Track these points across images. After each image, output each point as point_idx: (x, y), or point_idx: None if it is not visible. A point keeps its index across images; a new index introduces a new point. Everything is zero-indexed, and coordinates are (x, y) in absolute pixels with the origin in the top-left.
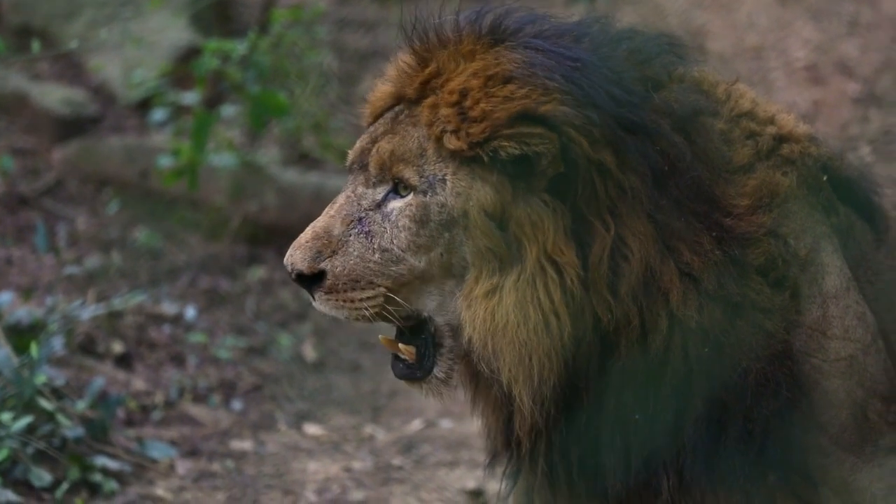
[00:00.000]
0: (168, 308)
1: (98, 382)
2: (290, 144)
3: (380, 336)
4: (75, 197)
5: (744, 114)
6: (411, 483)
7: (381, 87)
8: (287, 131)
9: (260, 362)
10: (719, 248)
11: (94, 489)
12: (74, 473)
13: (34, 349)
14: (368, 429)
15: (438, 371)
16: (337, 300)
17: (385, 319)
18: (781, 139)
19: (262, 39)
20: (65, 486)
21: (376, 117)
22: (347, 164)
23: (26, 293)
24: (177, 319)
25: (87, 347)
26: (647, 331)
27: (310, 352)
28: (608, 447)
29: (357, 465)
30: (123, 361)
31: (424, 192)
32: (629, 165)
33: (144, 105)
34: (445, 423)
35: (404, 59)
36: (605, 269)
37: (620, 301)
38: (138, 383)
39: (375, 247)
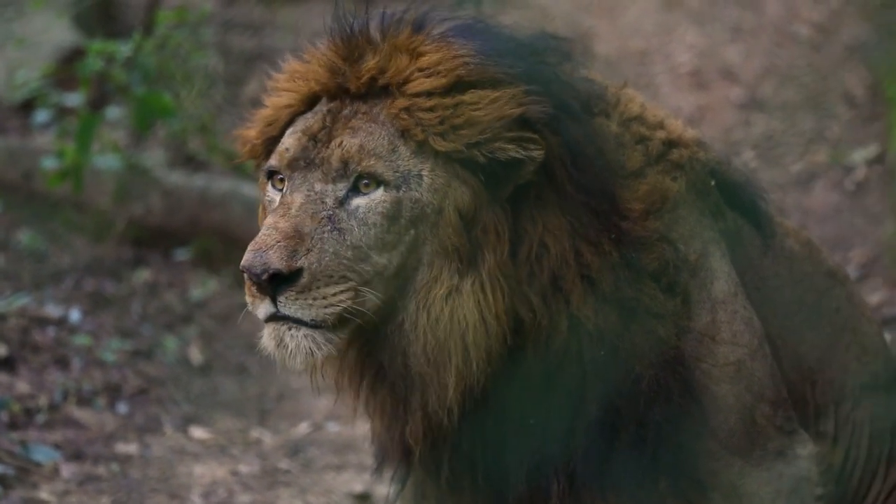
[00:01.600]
0: (52, 311)
1: None
2: (176, 146)
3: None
4: None
5: (633, 118)
6: (298, 486)
7: (291, 84)
8: (173, 133)
9: (145, 365)
10: (616, 250)
11: None
12: None
13: None
14: (255, 432)
15: (334, 335)
16: (307, 298)
17: (341, 321)
18: (671, 144)
19: (147, 41)
20: None
21: (294, 114)
22: (286, 158)
23: None
24: (61, 322)
25: None
26: (549, 332)
27: (196, 355)
28: (511, 451)
29: (244, 468)
30: (7, 364)
31: (398, 188)
32: (564, 163)
33: (28, 106)
34: (332, 427)
35: (328, 55)
36: (529, 269)
37: (537, 301)
38: (22, 386)
39: (348, 244)
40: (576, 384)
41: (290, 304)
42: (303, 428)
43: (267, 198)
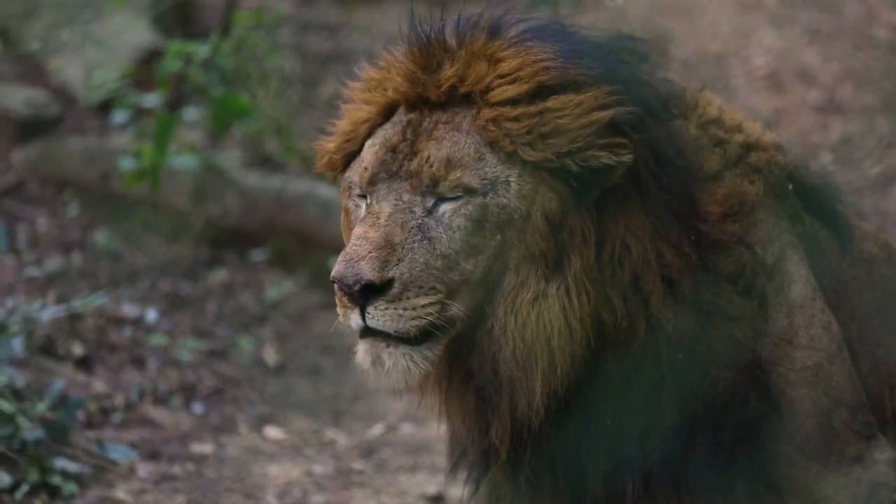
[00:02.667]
0: (129, 310)
1: (58, 384)
2: (252, 147)
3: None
4: (36, 198)
5: (712, 121)
6: (372, 487)
7: (368, 94)
8: (249, 134)
9: (221, 365)
10: (695, 252)
11: (54, 491)
12: (34, 475)
13: None
14: (329, 432)
15: (429, 350)
16: (397, 308)
17: (425, 334)
18: (749, 147)
19: (225, 42)
20: (24, 488)
21: (372, 127)
22: (366, 178)
23: None
24: (138, 322)
25: (47, 349)
26: (629, 334)
27: (271, 355)
28: (589, 452)
29: (318, 468)
30: (84, 363)
31: (484, 194)
32: (648, 164)
33: (105, 107)
34: (406, 428)
35: (405, 63)
36: (611, 269)
37: (618, 302)
38: (98, 385)
39: (438, 253)
40: (653, 386)
41: (378, 315)
42: (377, 429)
43: (351, 204)
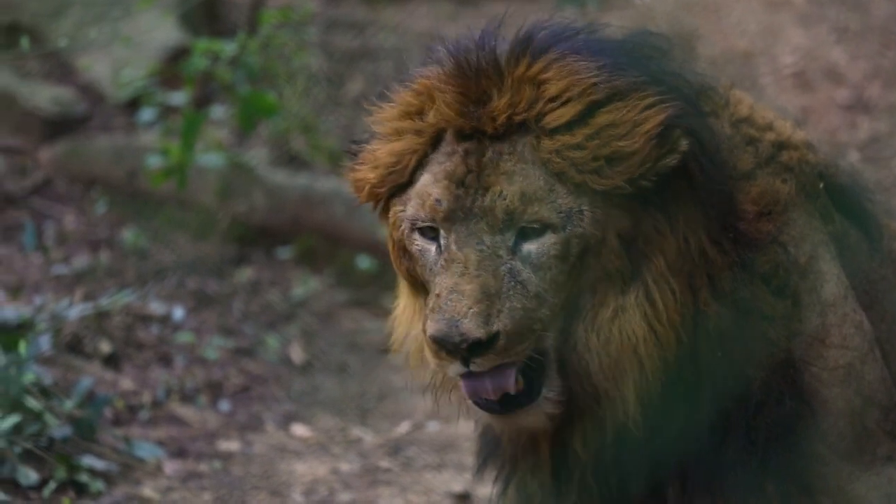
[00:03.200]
0: (156, 308)
1: (86, 382)
2: (279, 145)
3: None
4: (63, 196)
5: (743, 119)
6: (399, 485)
7: (409, 123)
8: (276, 132)
9: (247, 363)
10: (734, 250)
11: (81, 489)
12: (61, 473)
13: (22, 348)
14: (356, 430)
15: (548, 392)
16: (499, 355)
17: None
18: (780, 146)
19: (252, 40)
20: (52, 485)
21: (421, 158)
22: (441, 213)
23: (14, 292)
24: (164, 320)
25: (74, 347)
26: (677, 332)
27: (297, 353)
28: (629, 453)
29: (344, 466)
30: (111, 361)
31: (563, 228)
32: (696, 155)
33: (133, 105)
34: (433, 426)
35: (449, 93)
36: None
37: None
38: (126, 383)
39: (531, 294)
40: (691, 386)
41: (484, 364)
42: (403, 427)
43: (416, 247)
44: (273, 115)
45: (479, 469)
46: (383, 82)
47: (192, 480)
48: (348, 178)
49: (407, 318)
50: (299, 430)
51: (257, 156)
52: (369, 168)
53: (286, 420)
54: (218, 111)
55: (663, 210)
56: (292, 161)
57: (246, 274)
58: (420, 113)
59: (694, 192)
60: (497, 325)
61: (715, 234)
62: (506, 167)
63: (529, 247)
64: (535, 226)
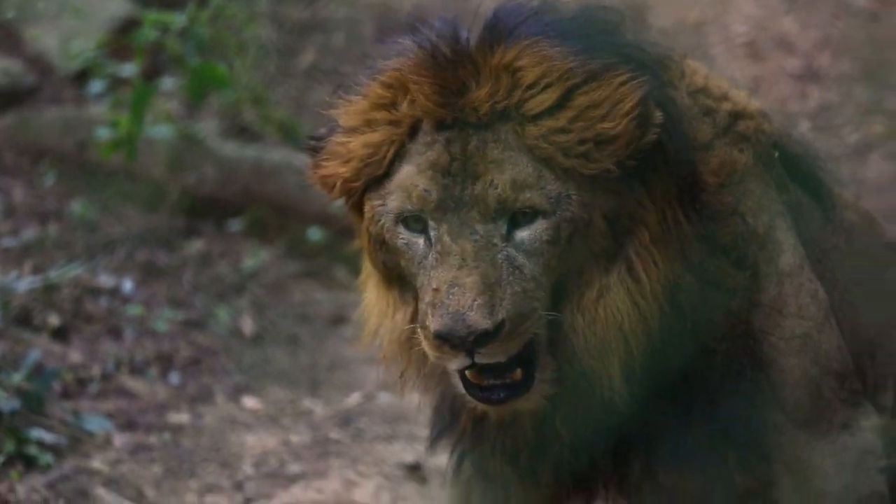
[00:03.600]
0: (105, 281)
1: (34, 355)
2: (230, 117)
3: (467, 373)
4: (11, 168)
5: (699, 90)
6: (349, 457)
7: (384, 114)
8: (226, 104)
9: (197, 335)
10: (700, 222)
11: (30, 462)
12: (10, 446)
13: None
14: (306, 402)
15: (542, 375)
16: (504, 342)
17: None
18: (737, 115)
19: (202, 11)
20: (0, 458)
21: (398, 149)
22: (431, 203)
23: None
24: (114, 292)
25: (22, 320)
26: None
27: (248, 325)
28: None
29: (295, 438)
30: (59, 334)
31: (553, 213)
32: (665, 127)
33: (82, 76)
34: (384, 397)
35: (425, 83)
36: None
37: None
38: (75, 356)
39: (528, 277)
40: (657, 359)
41: (489, 353)
42: (354, 398)
43: (401, 241)
44: (223, 86)
45: (434, 442)
46: (334, 53)
47: (142, 453)
48: (313, 175)
49: (380, 311)
50: (249, 401)
51: (207, 127)
52: (340, 162)
53: (236, 392)
54: (168, 83)
55: (644, 183)
56: (243, 133)
57: (196, 246)
58: (393, 105)
59: (667, 165)
60: (501, 314)
61: (685, 206)
62: (493, 155)
63: (522, 234)
64: (526, 212)
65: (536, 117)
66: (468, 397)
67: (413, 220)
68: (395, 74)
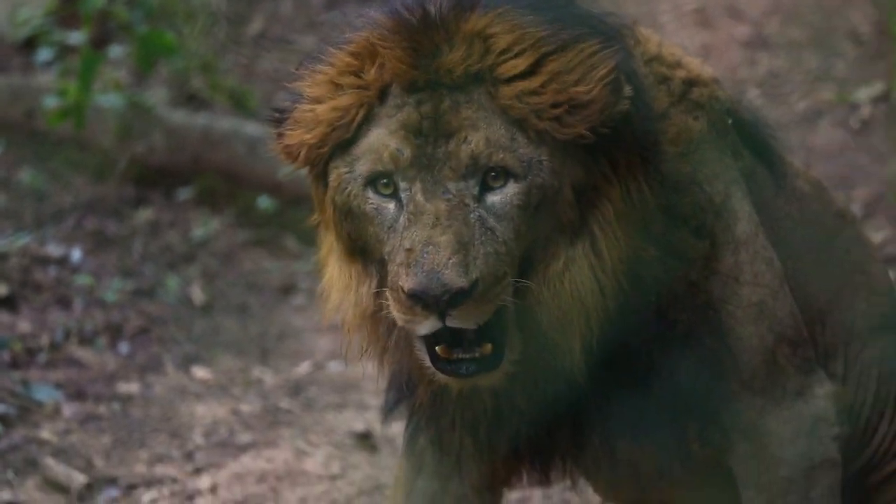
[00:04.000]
0: (54, 250)
1: None
2: (179, 85)
3: (437, 348)
4: None
5: (654, 58)
6: (299, 426)
7: (352, 79)
8: (175, 72)
9: (147, 305)
10: (662, 192)
11: None
12: None
13: None
14: (256, 371)
15: (511, 351)
16: (477, 304)
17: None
18: (691, 83)
19: None
20: None
21: (368, 112)
22: (404, 162)
23: None
24: (62, 261)
25: None
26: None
27: (197, 294)
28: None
29: (245, 407)
30: (8, 303)
31: (524, 177)
32: (632, 99)
33: (30, 44)
34: (334, 366)
35: (396, 47)
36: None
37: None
38: (23, 325)
39: (500, 240)
40: (615, 333)
41: (460, 316)
42: (304, 367)
43: (370, 206)
44: (172, 54)
45: (389, 412)
46: (283, 21)
47: (91, 423)
48: (277, 146)
49: (343, 284)
50: (199, 371)
51: (156, 96)
52: (305, 130)
53: (186, 361)
54: (116, 51)
55: (609, 157)
56: (192, 101)
57: (145, 215)
58: (361, 72)
59: (633, 137)
60: (476, 273)
61: (649, 178)
62: (467, 114)
63: (493, 198)
64: (495, 174)
65: (510, 80)
66: (434, 370)
67: (383, 184)
68: (363, 42)
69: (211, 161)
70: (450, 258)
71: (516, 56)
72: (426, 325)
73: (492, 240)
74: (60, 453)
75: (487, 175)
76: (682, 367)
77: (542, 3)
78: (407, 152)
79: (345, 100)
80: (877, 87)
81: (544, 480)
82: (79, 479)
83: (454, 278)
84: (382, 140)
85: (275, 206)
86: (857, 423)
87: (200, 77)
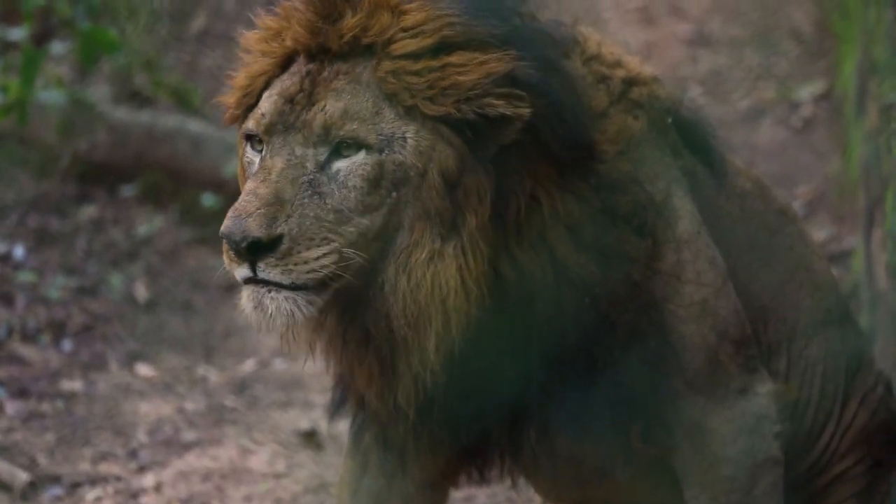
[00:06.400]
0: None
1: None
2: (121, 82)
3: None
4: None
5: (593, 57)
6: (244, 424)
7: (265, 46)
8: (118, 69)
9: (90, 302)
10: (596, 196)
11: None
12: None
13: None
14: (201, 369)
15: (315, 293)
16: (287, 264)
17: (323, 284)
18: (630, 82)
19: None
20: None
21: (270, 79)
22: (263, 124)
23: None
24: (5, 258)
25: None
26: (535, 286)
27: (141, 291)
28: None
29: (189, 405)
30: None
31: (381, 151)
32: (550, 122)
33: None
34: (279, 364)
35: (305, 13)
36: (517, 227)
37: (525, 257)
38: None
39: (329, 207)
40: (557, 335)
41: (270, 270)
42: (249, 365)
43: (246, 159)
44: (114, 51)
45: (334, 410)
46: (226, 18)
47: (34, 420)
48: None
49: None
50: (143, 369)
51: (99, 92)
52: (231, 93)
53: (130, 359)
54: (58, 47)
55: (496, 177)
56: (135, 98)
57: (88, 212)
58: (278, 37)
59: (547, 153)
60: (281, 229)
61: (575, 187)
62: (337, 85)
63: (339, 164)
64: (349, 143)
65: (398, 57)
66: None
67: (256, 141)
68: (285, 5)
69: (154, 158)
70: (259, 208)
71: (415, 36)
72: (239, 272)
73: (317, 205)
74: (3, 451)
75: (341, 145)
76: (625, 365)
77: (484, 4)
78: (268, 117)
79: (255, 68)
80: (818, 86)
81: (483, 479)
82: (22, 477)
83: (253, 227)
84: (262, 103)
85: (219, 204)
86: (803, 422)
87: (143, 74)
